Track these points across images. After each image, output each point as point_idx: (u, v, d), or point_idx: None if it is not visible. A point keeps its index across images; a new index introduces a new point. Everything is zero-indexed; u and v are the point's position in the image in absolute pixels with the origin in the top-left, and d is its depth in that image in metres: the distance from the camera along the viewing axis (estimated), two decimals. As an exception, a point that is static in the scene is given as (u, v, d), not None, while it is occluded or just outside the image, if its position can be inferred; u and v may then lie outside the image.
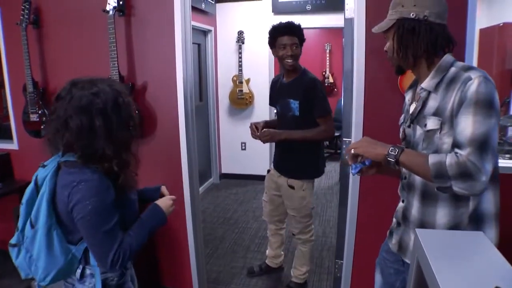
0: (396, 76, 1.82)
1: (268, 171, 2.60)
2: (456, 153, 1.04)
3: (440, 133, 1.13)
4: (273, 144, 2.49)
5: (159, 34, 2.17)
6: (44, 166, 1.27)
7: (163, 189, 1.58)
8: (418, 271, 0.87)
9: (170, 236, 2.42)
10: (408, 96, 1.35)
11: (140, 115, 2.22)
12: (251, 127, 2.39)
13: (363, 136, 1.90)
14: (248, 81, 4.73)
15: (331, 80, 6.93)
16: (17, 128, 2.72)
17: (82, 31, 2.34)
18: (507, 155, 2.10)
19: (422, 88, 1.21)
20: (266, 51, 4.59)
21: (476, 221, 1.16)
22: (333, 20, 4.29)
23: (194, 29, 3.82)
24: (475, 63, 2.14)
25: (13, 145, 2.79)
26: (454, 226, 1.17)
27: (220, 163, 5.14)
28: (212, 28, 4.61)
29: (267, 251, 2.84)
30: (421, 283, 0.83)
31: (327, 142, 6.07)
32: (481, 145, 1.01)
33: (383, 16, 1.24)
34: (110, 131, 1.18)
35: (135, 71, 2.26)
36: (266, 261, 2.83)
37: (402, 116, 1.38)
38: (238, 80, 4.72)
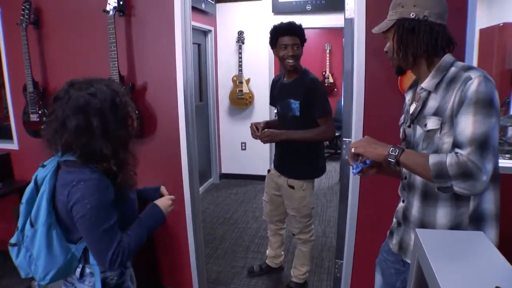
0: (396, 76, 1.83)
1: (269, 171, 2.61)
2: (456, 153, 1.04)
3: (440, 133, 1.13)
4: (273, 144, 2.49)
5: (159, 34, 2.17)
6: (43, 166, 1.28)
7: (163, 189, 1.58)
8: (419, 271, 0.87)
9: (170, 236, 2.42)
10: (408, 97, 1.35)
11: (140, 115, 2.22)
12: (251, 127, 2.39)
13: (363, 136, 1.92)
14: (248, 81, 4.73)
15: (331, 80, 6.93)
16: (17, 128, 2.72)
17: (82, 31, 2.34)
18: (507, 155, 2.10)
19: (422, 88, 1.21)
20: (266, 51, 4.59)
21: (476, 221, 1.16)
22: (333, 20, 4.29)
23: (194, 29, 3.82)
24: (475, 63, 2.14)
25: (13, 145, 2.79)
26: (455, 226, 1.17)
27: (220, 163, 5.14)
28: (212, 28, 4.61)
29: (267, 251, 2.84)
30: (422, 283, 0.83)
31: (327, 142, 6.07)
32: (482, 144, 1.01)
33: (383, 16, 1.24)
34: (108, 131, 1.19)
35: (135, 71, 2.27)
36: (266, 261, 2.83)
37: (402, 116, 1.38)
38: (238, 80, 4.72)
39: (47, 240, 1.21)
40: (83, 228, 1.18)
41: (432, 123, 1.15)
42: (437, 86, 1.16)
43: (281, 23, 2.27)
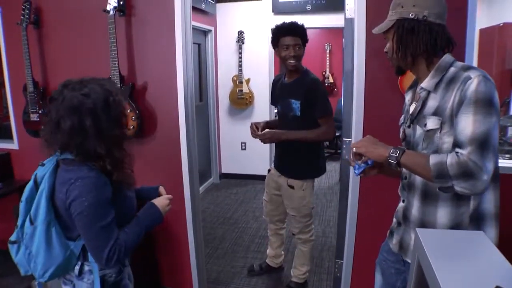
0: (396, 76, 1.83)
1: (269, 170, 2.61)
2: (457, 152, 1.04)
3: (440, 132, 1.14)
4: (274, 144, 2.49)
5: (160, 34, 2.17)
6: (43, 165, 1.30)
7: (161, 189, 1.59)
8: (419, 270, 0.87)
9: (170, 236, 2.42)
10: (408, 97, 1.35)
11: (140, 115, 2.23)
12: (251, 126, 2.39)
13: (363, 136, 1.92)
14: (248, 81, 4.74)
15: (331, 80, 6.93)
16: (17, 128, 2.72)
17: (83, 31, 2.34)
18: (507, 155, 2.10)
19: (421, 88, 1.21)
20: (266, 51, 4.60)
21: (476, 221, 1.16)
22: (333, 20, 4.30)
23: (194, 29, 3.82)
24: (475, 63, 2.15)
25: (13, 145, 2.79)
26: (455, 225, 1.17)
27: (220, 163, 5.14)
28: (212, 28, 4.61)
29: (267, 251, 2.84)
30: (422, 283, 0.83)
31: (327, 142, 6.07)
32: (482, 144, 1.01)
33: (383, 16, 1.24)
34: (101, 131, 1.20)
35: (136, 71, 2.27)
36: (267, 261, 2.83)
37: (402, 116, 1.38)
38: (238, 80, 4.72)
39: (46, 237, 1.23)
40: (80, 225, 1.20)
41: (432, 123, 1.15)
42: (436, 86, 1.17)
43: (283, 23, 2.26)
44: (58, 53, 2.44)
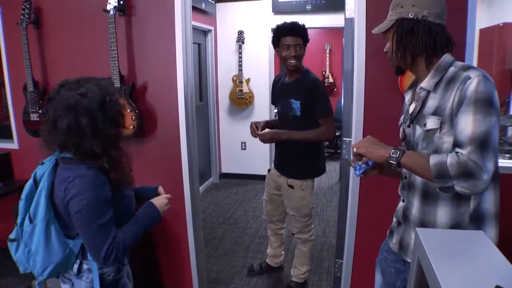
0: (396, 76, 1.83)
1: (269, 170, 2.61)
2: (457, 152, 1.04)
3: (440, 132, 1.14)
4: (273, 144, 2.49)
5: (160, 34, 2.17)
6: (43, 163, 1.31)
7: (160, 189, 1.59)
8: (419, 270, 0.87)
9: (170, 236, 2.42)
10: (407, 96, 1.35)
11: (140, 114, 2.23)
12: (251, 126, 2.39)
13: (363, 136, 1.92)
14: (248, 81, 4.73)
15: (331, 80, 6.93)
16: (17, 128, 2.72)
17: (83, 31, 2.34)
18: (507, 155, 2.10)
19: (421, 88, 1.21)
20: (266, 51, 4.59)
21: (477, 221, 1.17)
22: (333, 20, 4.29)
23: (194, 29, 3.82)
24: (475, 63, 2.14)
25: (13, 145, 2.79)
26: (455, 225, 1.17)
27: (220, 163, 5.14)
28: (212, 28, 4.61)
29: (267, 250, 2.84)
30: (422, 282, 0.83)
31: (327, 142, 6.08)
32: (482, 143, 1.01)
33: (383, 16, 1.25)
34: (98, 130, 1.21)
35: (136, 71, 2.27)
36: (267, 260, 2.84)
37: (402, 116, 1.38)
38: (238, 80, 4.72)
39: (46, 235, 1.23)
40: (78, 223, 1.20)
41: (431, 122, 1.15)
42: (436, 85, 1.17)
43: (285, 23, 2.26)
44: (58, 53, 2.44)
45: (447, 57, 1.18)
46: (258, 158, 4.89)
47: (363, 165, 1.24)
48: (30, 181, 1.30)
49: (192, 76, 2.21)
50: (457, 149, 1.05)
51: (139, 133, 2.25)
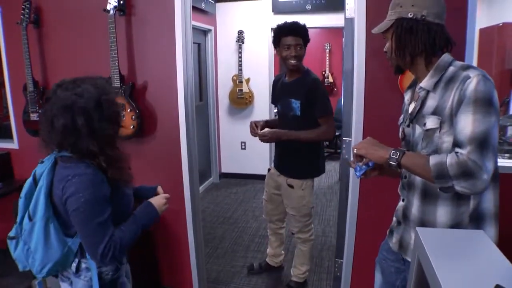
0: (396, 76, 1.83)
1: (269, 170, 2.61)
2: (456, 152, 1.04)
3: (439, 132, 1.14)
4: (273, 143, 2.49)
5: (160, 34, 2.17)
6: (42, 162, 1.32)
7: (159, 189, 1.60)
8: (419, 269, 0.88)
9: (170, 236, 2.42)
10: (407, 96, 1.36)
11: (140, 114, 2.23)
12: (250, 125, 2.40)
13: (363, 136, 1.92)
14: (248, 80, 4.73)
15: (330, 80, 6.93)
16: (17, 128, 2.72)
17: (83, 31, 2.34)
18: (507, 155, 2.10)
19: (420, 88, 1.21)
20: (266, 50, 4.59)
21: (476, 220, 1.17)
22: (333, 20, 4.30)
23: (194, 28, 3.82)
24: (475, 63, 2.14)
25: (13, 145, 2.79)
26: (455, 225, 1.18)
27: (220, 163, 5.14)
28: (212, 28, 4.61)
29: (267, 250, 2.84)
30: (422, 281, 0.84)
31: (327, 142, 6.08)
32: (482, 143, 1.02)
33: (383, 16, 1.25)
34: (94, 130, 1.21)
35: (136, 70, 2.27)
36: (267, 260, 2.84)
37: (402, 116, 1.38)
38: (238, 80, 4.72)
39: (45, 233, 1.24)
40: (76, 221, 1.21)
41: (431, 122, 1.15)
42: (435, 85, 1.17)
43: (285, 23, 2.26)
44: (58, 53, 2.44)
45: (446, 57, 1.18)
46: (258, 158, 4.89)
47: (364, 166, 1.24)
48: (30, 180, 1.31)
49: (192, 76, 2.21)
50: (457, 149, 1.05)
51: (139, 133, 2.25)
